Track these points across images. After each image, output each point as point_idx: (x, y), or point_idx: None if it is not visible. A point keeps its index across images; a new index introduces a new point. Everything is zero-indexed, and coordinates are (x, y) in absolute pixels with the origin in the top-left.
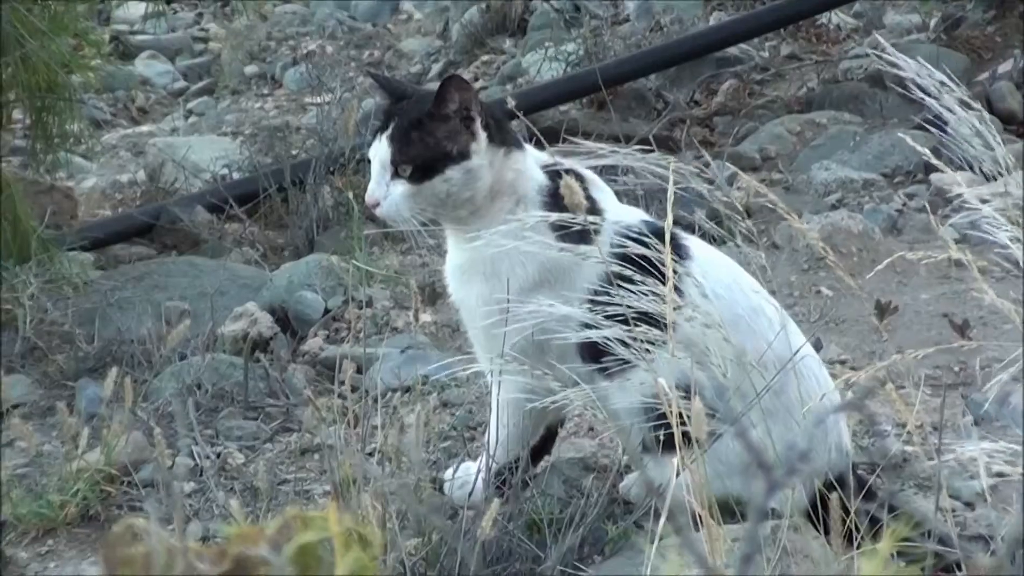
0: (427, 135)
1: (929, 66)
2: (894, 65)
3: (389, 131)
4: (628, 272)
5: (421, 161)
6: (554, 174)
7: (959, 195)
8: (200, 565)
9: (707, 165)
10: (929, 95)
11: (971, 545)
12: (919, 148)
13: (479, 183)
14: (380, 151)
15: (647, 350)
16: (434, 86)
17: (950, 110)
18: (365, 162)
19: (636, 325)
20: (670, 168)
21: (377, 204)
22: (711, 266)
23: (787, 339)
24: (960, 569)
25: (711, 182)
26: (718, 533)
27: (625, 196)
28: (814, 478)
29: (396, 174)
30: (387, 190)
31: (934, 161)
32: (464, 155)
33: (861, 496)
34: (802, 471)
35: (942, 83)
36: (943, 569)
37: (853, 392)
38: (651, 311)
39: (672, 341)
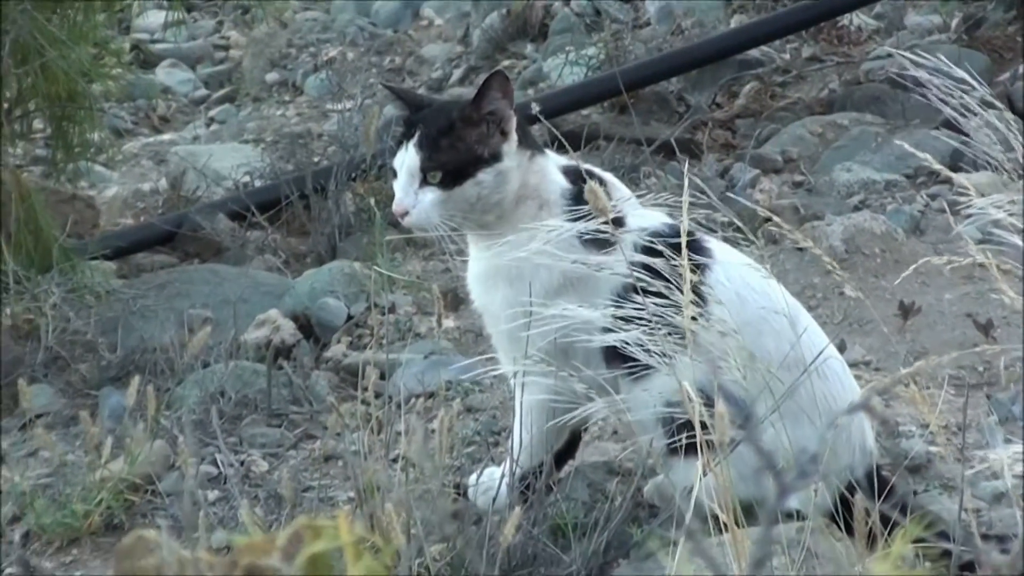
0: (458, 140)
1: (949, 63)
2: (913, 65)
3: (416, 139)
4: (650, 278)
5: (453, 166)
6: (575, 177)
7: (974, 197)
8: None
9: (728, 169)
10: (947, 97)
11: (994, 544)
12: (919, 155)
13: (508, 186)
14: (407, 159)
15: (669, 354)
16: (455, 92)
17: (970, 111)
18: (388, 170)
19: (659, 329)
20: (685, 176)
21: (406, 213)
22: (733, 268)
23: (808, 340)
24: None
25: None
26: (741, 536)
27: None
28: (836, 479)
29: (425, 181)
30: (416, 198)
31: (936, 167)
32: (496, 157)
33: (884, 497)
34: (813, 474)
35: (962, 81)
36: (964, 567)
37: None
38: (672, 317)
39: (691, 345)
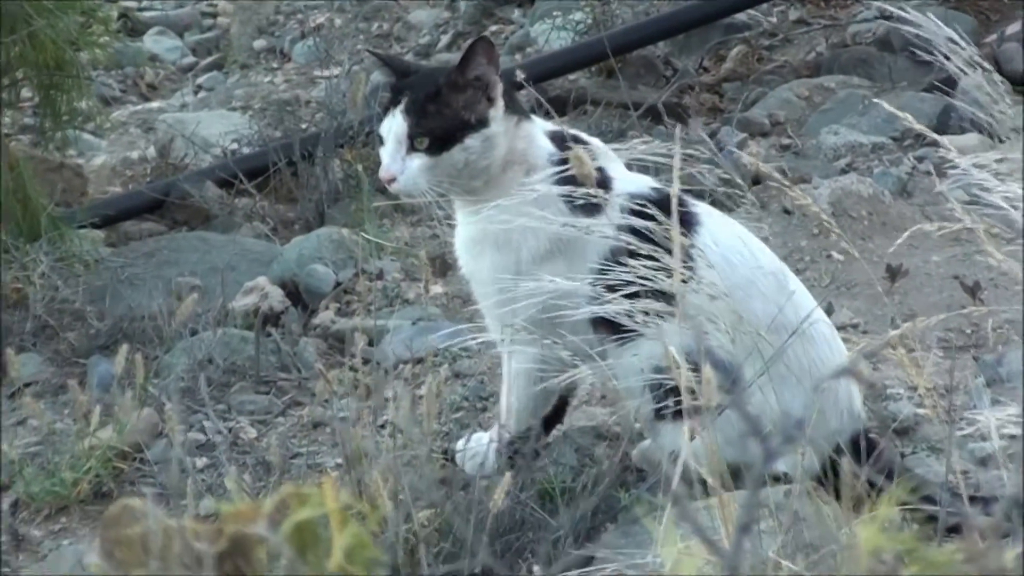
0: (444, 106)
1: (939, 22)
2: (907, 23)
3: (403, 105)
4: (638, 242)
5: (440, 132)
6: (561, 141)
7: (961, 159)
8: (197, 544)
9: (715, 132)
10: (939, 57)
11: (981, 506)
12: (901, 114)
13: (496, 151)
14: (394, 126)
15: (656, 320)
16: (443, 58)
17: (961, 71)
18: (376, 136)
19: (648, 295)
20: (676, 138)
21: (393, 179)
22: (721, 232)
23: (796, 303)
24: None
25: (713, 163)
26: (728, 500)
27: (634, 164)
28: (824, 443)
29: (412, 147)
30: (403, 164)
31: (918, 128)
32: (483, 122)
33: (872, 460)
34: (800, 438)
35: (951, 41)
36: (951, 530)
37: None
38: (661, 281)
39: (680, 310)
